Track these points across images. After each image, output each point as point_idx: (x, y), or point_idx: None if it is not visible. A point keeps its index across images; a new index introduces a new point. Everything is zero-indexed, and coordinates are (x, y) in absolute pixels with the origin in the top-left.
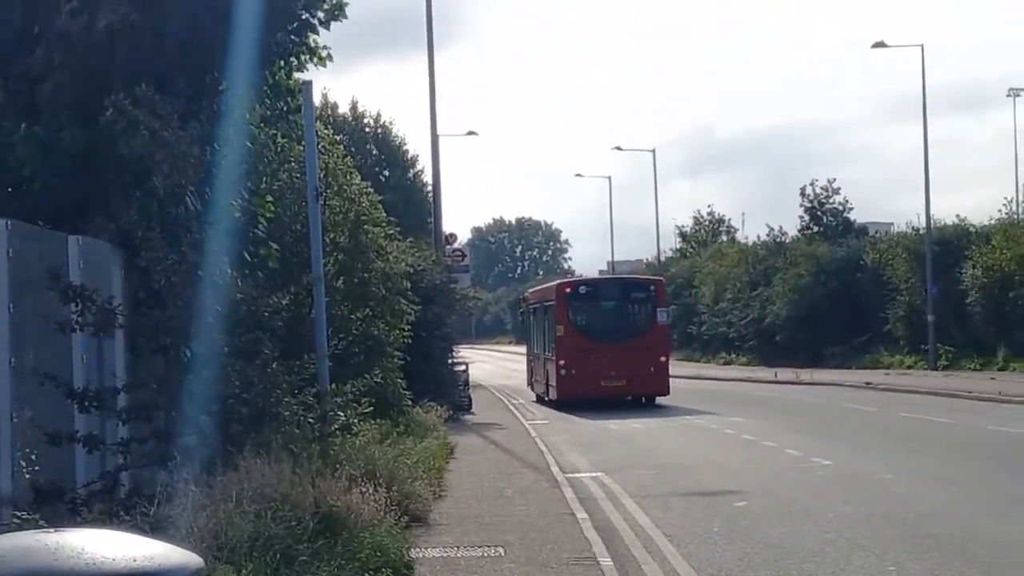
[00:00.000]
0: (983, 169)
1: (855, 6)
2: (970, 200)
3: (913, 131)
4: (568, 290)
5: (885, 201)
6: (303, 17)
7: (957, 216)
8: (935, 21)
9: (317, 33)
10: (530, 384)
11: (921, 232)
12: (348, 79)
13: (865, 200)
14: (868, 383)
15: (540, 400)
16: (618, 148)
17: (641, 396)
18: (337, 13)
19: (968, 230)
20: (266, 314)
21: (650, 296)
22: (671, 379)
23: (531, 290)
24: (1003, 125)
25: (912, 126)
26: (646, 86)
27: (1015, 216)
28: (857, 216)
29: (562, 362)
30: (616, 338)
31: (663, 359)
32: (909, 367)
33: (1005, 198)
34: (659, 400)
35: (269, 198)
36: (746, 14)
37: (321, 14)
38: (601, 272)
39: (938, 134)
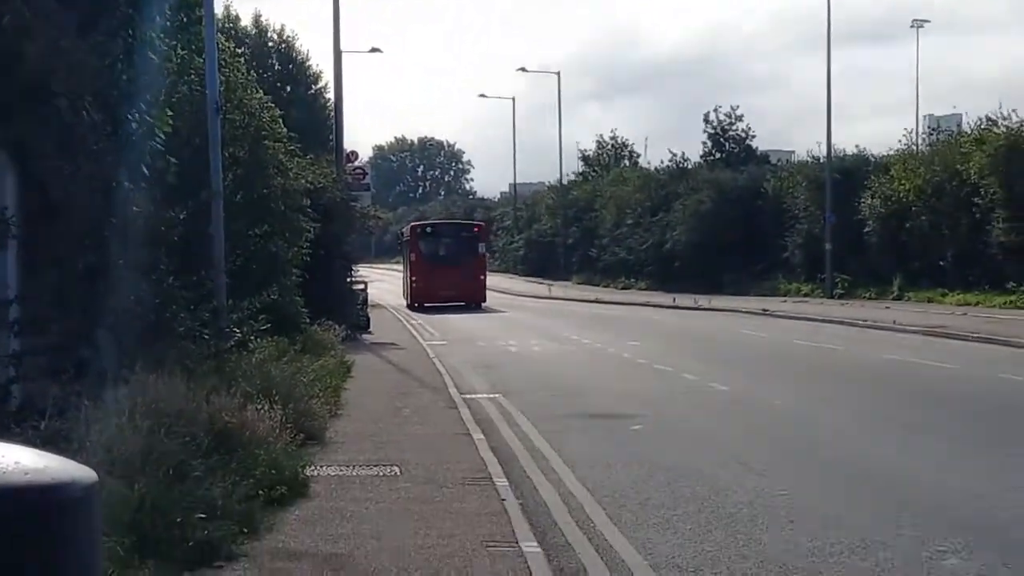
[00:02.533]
0: (888, 100)
1: None
2: (874, 130)
3: (821, 61)
4: (418, 229)
5: (791, 130)
6: None
7: (857, 146)
8: None
9: None
10: (404, 295)
11: (821, 161)
12: None
13: (772, 129)
14: (765, 310)
15: (408, 307)
16: (523, 69)
17: (467, 303)
18: None
19: (868, 160)
20: (163, 228)
21: (474, 235)
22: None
23: (402, 228)
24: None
25: (820, 56)
26: (554, 7)
27: (914, 147)
28: (760, 144)
29: (414, 278)
30: (450, 263)
31: (482, 278)
32: (806, 295)
33: (905, 129)
34: (565, 333)
35: (168, 111)
36: None
37: None
38: (503, 194)
39: (845, 64)
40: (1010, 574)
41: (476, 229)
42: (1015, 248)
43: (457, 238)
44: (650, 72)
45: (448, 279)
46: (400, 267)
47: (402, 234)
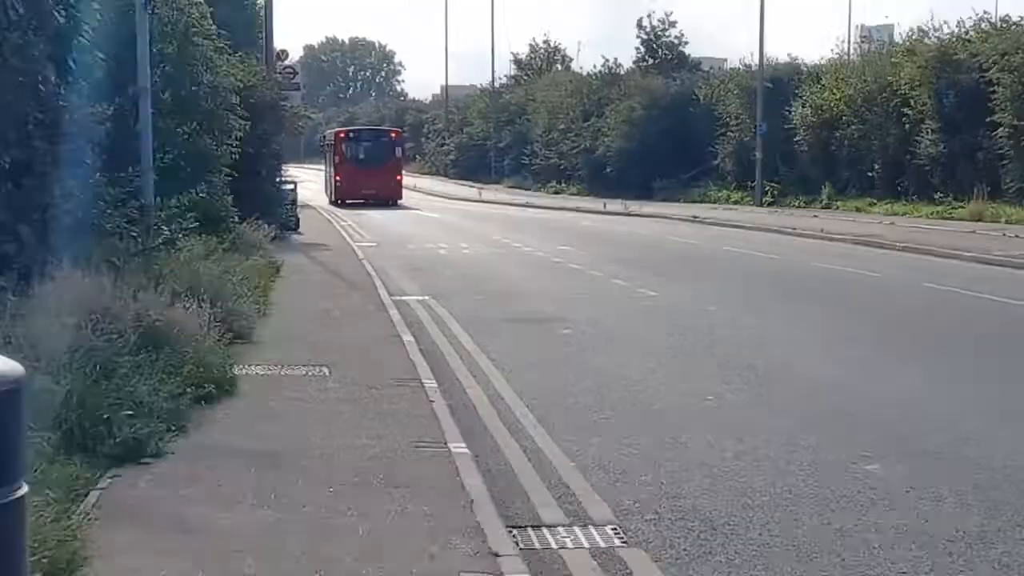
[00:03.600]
0: (822, 7)
1: None
2: (807, 38)
3: None
4: (341, 135)
5: (726, 36)
6: None
7: (789, 55)
8: None
9: None
10: (325, 192)
11: (753, 69)
12: None
13: (706, 34)
14: (695, 217)
15: (330, 203)
16: None
17: (385, 200)
18: None
19: (799, 69)
20: (90, 124)
21: (392, 140)
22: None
23: (324, 132)
24: None
25: None
26: None
27: (846, 57)
28: (694, 51)
29: (338, 178)
30: (370, 165)
31: (398, 178)
32: (736, 203)
33: (837, 38)
34: (495, 236)
35: (95, 4)
36: None
37: None
38: (434, 96)
39: None
40: (926, 480)
41: (394, 135)
42: (942, 159)
43: (376, 142)
44: None
45: (368, 179)
46: (322, 168)
47: (324, 137)
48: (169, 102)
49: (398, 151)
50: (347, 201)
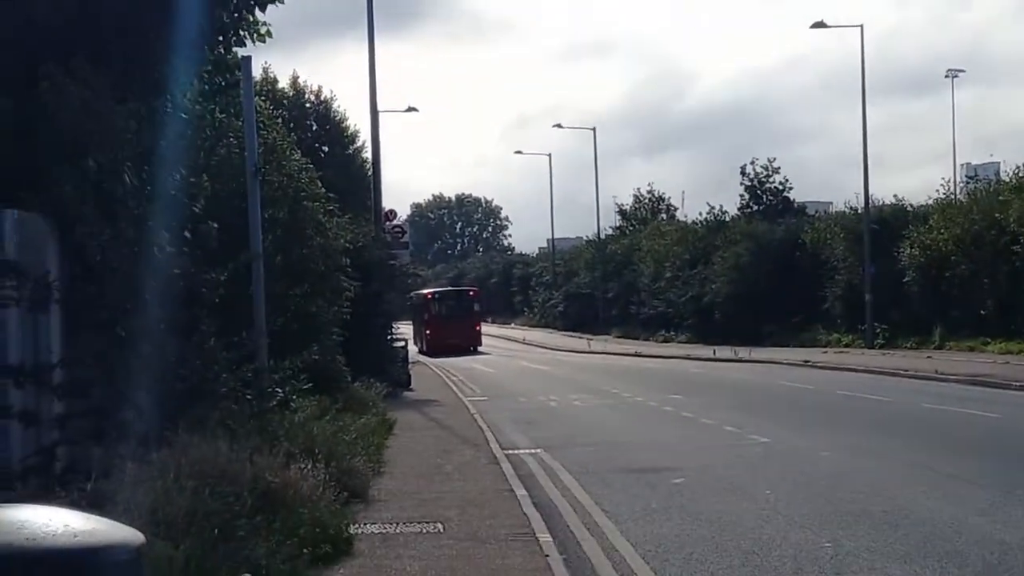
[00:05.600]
0: (926, 150)
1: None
2: (913, 180)
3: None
4: (429, 296)
5: (833, 181)
6: None
7: (895, 196)
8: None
9: (254, 12)
10: (414, 343)
11: (859, 212)
12: (291, 54)
13: (813, 180)
14: (806, 361)
15: (419, 352)
16: (558, 126)
17: (467, 347)
18: None
19: (906, 210)
20: (204, 290)
21: (470, 298)
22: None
23: (413, 293)
24: (959, 104)
25: (860, 107)
26: (591, 64)
27: (952, 196)
28: (803, 195)
29: (428, 331)
30: (453, 319)
31: (477, 328)
32: (847, 346)
33: (943, 178)
34: (606, 387)
35: (205, 176)
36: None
37: None
38: (541, 249)
39: (887, 115)
40: None
41: (472, 294)
42: None
43: (458, 300)
44: (693, 124)
45: (453, 331)
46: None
47: (411, 297)
48: (281, 265)
49: (476, 307)
50: (436, 350)
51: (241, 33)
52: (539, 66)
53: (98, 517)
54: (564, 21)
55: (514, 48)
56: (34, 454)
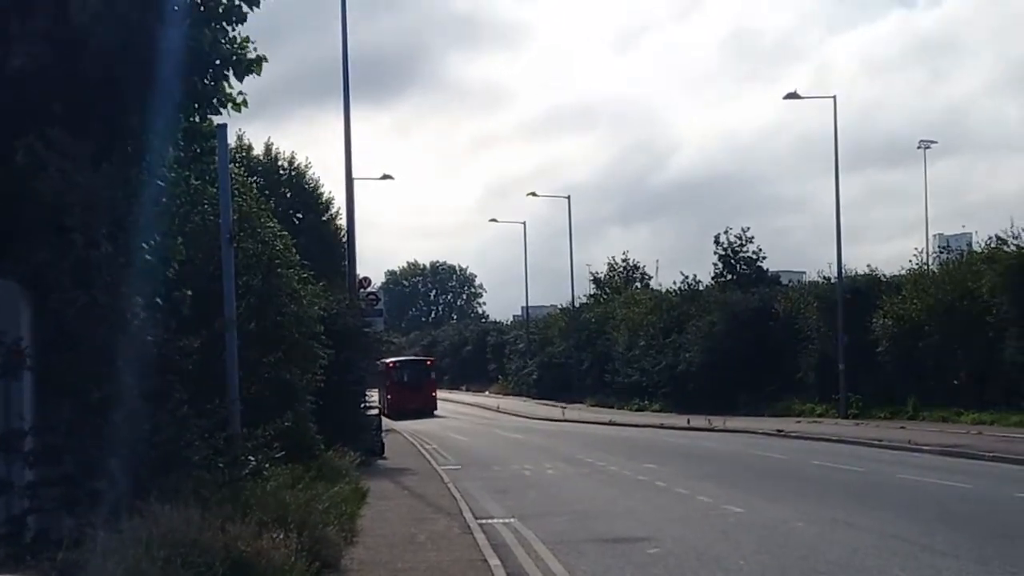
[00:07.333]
0: (899, 220)
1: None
2: (887, 250)
3: (836, 183)
4: (391, 364)
5: (807, 250)
6: (218, 64)
7: (868, 266)
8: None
9: (230, 82)
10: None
11: (833, 281)
12: (266, 122)
13: (789, 250)
14: (780, 431)
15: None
16: (533, 194)
17: (424, 411)
18: (252, 68)
19: (879, 280)
20: (177, 357)
21: (427, 367)
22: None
23: (380, 361)
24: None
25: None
26: (571, 134)
27: (925, 267)
28: (772, 265)
29: (389, 396)
30: (412, 385)
31: (433, 394)
32: (820, 415)
33: (916, 249)
34: (580, 456)
35: (180, 241)
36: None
37: (235, 68)
38: (515, 317)
39: (863, 185)
40: None
41: (428, 363)
42: None
43: (415, 368)
44: (670, 194)
45: (412, 397)
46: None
47: (376, 365)
48: (255, 333)
49: (432, 375)
50: (397, 413)
51: (215, 102)
52: (518, 135)
53: None
54: (545, 93)
55: (494, 118)
56: (4, 523)
